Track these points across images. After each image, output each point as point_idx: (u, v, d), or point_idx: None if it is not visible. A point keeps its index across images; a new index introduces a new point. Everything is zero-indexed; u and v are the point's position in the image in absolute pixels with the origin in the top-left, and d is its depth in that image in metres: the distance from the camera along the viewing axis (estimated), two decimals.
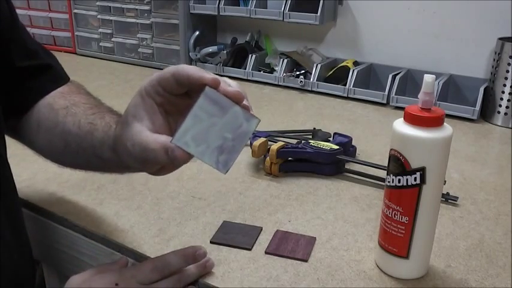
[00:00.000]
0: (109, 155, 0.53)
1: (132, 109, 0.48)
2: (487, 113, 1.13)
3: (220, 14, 1.40)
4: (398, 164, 0.52)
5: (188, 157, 0.43)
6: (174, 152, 0.43)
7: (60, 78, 0.67)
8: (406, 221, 0.53)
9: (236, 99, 0.43)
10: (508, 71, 1.07)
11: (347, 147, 0.84)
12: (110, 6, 1.55)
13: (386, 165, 0.55)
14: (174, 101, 0.48)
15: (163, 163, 0.47)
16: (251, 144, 0.81)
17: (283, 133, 0.94)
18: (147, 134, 0.46)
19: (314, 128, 0.95)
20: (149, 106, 0.47)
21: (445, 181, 0.59)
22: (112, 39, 1.59)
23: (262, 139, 0.81)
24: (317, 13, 1.26)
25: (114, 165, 0.55)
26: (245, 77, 1.38)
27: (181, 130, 0.42)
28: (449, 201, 0.73)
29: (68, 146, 0.59)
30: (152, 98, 0.47)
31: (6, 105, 0.59)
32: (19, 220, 0.62)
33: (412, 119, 0.50)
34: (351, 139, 0.86)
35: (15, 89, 0.62)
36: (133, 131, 0.47)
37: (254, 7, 1.35)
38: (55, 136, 0.60)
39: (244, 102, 0.44)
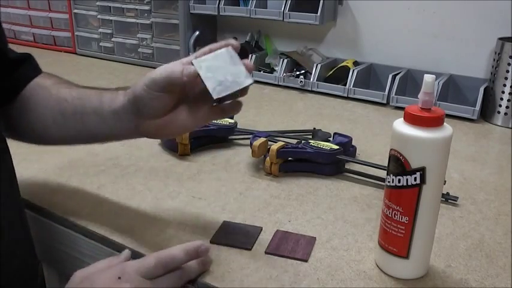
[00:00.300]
0: (121, 103, 0.59)
1: (142, 89, 0.56)
2: (487, 113, 1.13)
3: (220, 14, 1.40)
4: (398, 164, 0.52)
5: (195, 76, 0.53)
6: (188, 68, 0.53)
7: (38, 66, 0.71)
8: (406, 221, 0.53)
9: (247, 66, 0.55)
10: (508, 71, 1.07)
11: (347, 147, 0.84)
12: (110, 6, 1.55)
13: (386, 165, 0.55)
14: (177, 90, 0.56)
15: (178, 83, 0.54)
16: (251, 144, 0.81)
17: (283, 133, 0.94)
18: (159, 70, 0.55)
19: (314, 128, 0.96)
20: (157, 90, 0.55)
21: (445, 181, 0.59)
22: (112, 39, 1.59)
23: (262, 139, 0.81)
24: (317, 13, 1.26)
25: (114, 123, 0.60)
26: None
27: (201, 59, 0.54)
28: (449, 201, 0.73)
29: (64, 114, 0.63)
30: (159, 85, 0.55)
31: None
32: (22, 214, 0.62)
33: (412, 119, 0.50)
34: (351, 139, 0.86)
35: (5, 78, 0.64)
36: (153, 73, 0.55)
37: (254, 7, 1.35)
38: (48, 109, 0.64)
39: (251, 66, 0.56)
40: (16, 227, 0.59)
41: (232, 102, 0.58)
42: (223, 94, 0.53)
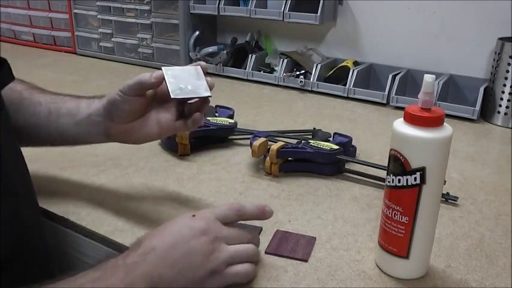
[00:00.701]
0: (96, 106, 0.65)
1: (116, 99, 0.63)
2: (487, 113, 1.13)
3: (220, 14, 1.40)
4: (398, 164, 0.52)
5: (161, 80, 0.61)
6: (157, 72, 0.61)
7: (11, 72, 0.70)
8: (406, 221, 0.53)
9: (209, 83, 0.63)
10: (508, 71, 1.07)
11: (347, 147, 0.84)
12: (110, 6, 1.55)
13: (386, 165, 0.55)
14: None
15: (147, 86, 0.62)
16: (251, 144, 0.81)
17: (283, 133, 0.94)
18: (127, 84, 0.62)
19: (314, 128, 0.95)
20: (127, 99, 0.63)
21: (445, 181, 0.59)
22: (112, 39, 1.59)
23: (262, 139, 0.81)
24: (317, 13, 1.26)
25: (93, 123, 0.66)
26: (245, 77, 1.38)
27: (170, 68, 0.63)
28: (449, 201, 0.73)
29: (37, 114, 0.67)
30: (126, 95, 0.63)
31: None
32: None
33: (412, 119, 0.50)
34: (351, 139, 0.86)
35: None
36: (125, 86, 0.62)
37: (254, 7, 1.35)
38: (21, 112, 0.68)
39: (212, 83, 0.63)
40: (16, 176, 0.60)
41: (193, 116, 0.63)
42: (180, 97, 0.61)
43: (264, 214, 0.58)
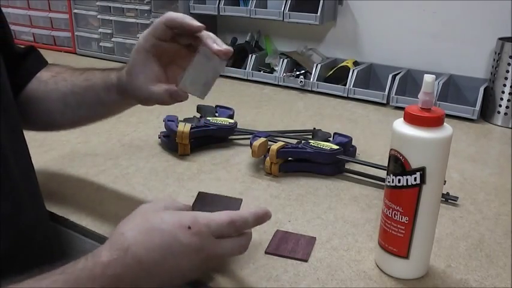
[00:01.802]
0: (114, 97, 0.65)
1: (134, 65, 0.61)
2: (487, 113, 1.13)
3: (220, 14, 1.40)
4: (398, 164, 0.52)
5: (187, 96, 0.59)
6: (176, 93, 0.59)
7: (43, 58, 0.75)
8: (406, 221, 0.53)
9: (222, 54, 0.59)
10: (508, 71, 1.07)
11: (347, 147, 0.84)
12: (110, 6, 1.55)
13: (386, 165, 0.55)
14: (165, 48, 0.60)
15: (167, 103, 0.61)
16: (251, 144, 0.81)
17: (283, 133, 0.94)
18: (151, 84, 0.60)
19: (314, 128, 0.95)
20: (146, 60, 0.60)
21: (445, 181, 0.59)
22: (112, 39, 1.59)
23: (262, 139, 0.81)
24: (317, 13, 1.26)
25: (116, 106, 0.68)
26: (245, 77, 1.38)
27: (184, 78, 0.59)
28: (449, 201, 0.73)
29: (68, 106, 0.68)
30: (147, 52, 0.60)
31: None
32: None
33: (412, 119, 0.50)
34: (351, 139, 0.86)
35: (12, 70, 0.65)
36: (140, 82, 0.60)
37: (254, 7, 1.35)
38: (50, 103, 0.69)
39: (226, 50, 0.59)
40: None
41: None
42: (209, 91, 0.60)
43: (263, 221, 0.53)
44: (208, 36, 0.60)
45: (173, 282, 0.49)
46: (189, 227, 0.48)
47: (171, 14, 0.59)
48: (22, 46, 0.73)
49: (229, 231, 0.50)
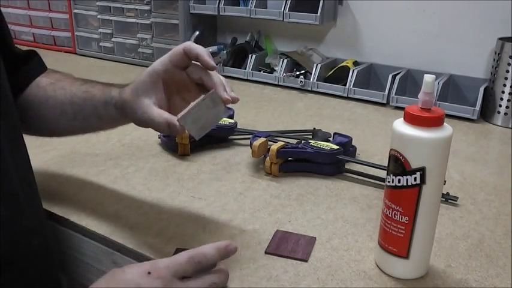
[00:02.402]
0: (112, 113, 0.64)
1: (142, 85, 0.60)
2: (487, 113, 1.13)
3: (220, 14, 1.40)
4: (398, 164, 0.52)
5: (184, 131, 0.58)
6: (175, 127, 0.57)
7: (43, 63, 0.74)
8: (406, 221, 0.53)
9: (230, 103, 0.58)
10: (508, 71, 1.07)
11: (347, 147, 0.84)
12: (110, 6, 1.55)
13: (386, 165, 0.55)
14: (176, 77, 0.60)
15: (161, 132, 0.61)
16: (251, 144, 0.81)
17: (283, 133, 0.94)
18: (153, 109, 0.59)
19: (314, 128, 0.95)
20: (156, 84, 0.60)
21: (445, 181, 0.59)
22: (112, 39, 1.59)
23: (262, 139, 0.81)
24: (317, 13, 1.26)
25: (112, 121, 0.67)
26: (245, 77, 1.38)
27: (186, 114, 0.58)
28: (449, 201, 0.73)
29: (64, 114, 0.68)
30: (159, 76, 0.60)
31: None
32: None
33: (412, 119, 0.50)
34: (351, 139, 0.86)
35: (11, 73, 0.65)
36: (143, 104, 0.60)
37: (254, 7, 1.35)
38: (47, 109, 0.68)
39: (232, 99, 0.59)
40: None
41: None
42: (204, 134, 0.59)
43: (227, 254, 0.53)
44: (221, 83, 0.59)
45: None
46: (149, 272, 0.49)
47: (190, 44, 0.59)
48: (23, 48, 0.73)
49: (191, 268, 0.50)
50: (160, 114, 0.59)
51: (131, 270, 0.50)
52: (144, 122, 0.60)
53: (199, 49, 0.58)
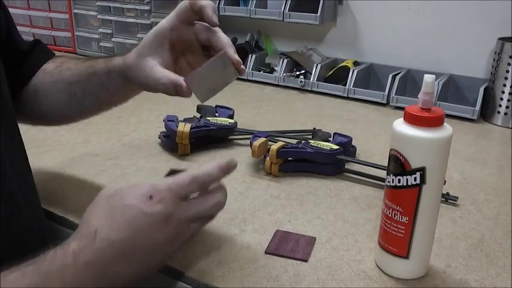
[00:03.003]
0: (117, 81, 0.62)
1: (147, 45, 0.58)
2: (487, 113, 1.13)
3: (220, 14, 1.40)
4: (398, 164, 0.52)
5: (190, 93, 0.55)
6: (182, 88, 0.55)
7: (48, 50, 0.74)
8: (406, 221, 0.53)
9: (240, 66, 0.57)
10: (508, 71, 1.07)
11: (347, 147, 0.84)
12: (110, 6, 1.55)
13: (386, 165, 0.55)
14: (183, 36, 0.58)
15: (169, 94, 0.57)
16: (251, 144, 0.81)
17: (283, 133, 0.94)
18: (158, 70, 0.57)
19: (314, 128, 0.95)
20: (162, 43, 0.58)
21: (445, 181, 0.59)
22: (112, 39, 1.59)
23: (262, 139, 0.81)
24: (317, 13, 1.26)
25: (120, 91, 0.65)
26: (245, 77, 1.38)
27: (195, 74, 0.56)
28: (449, 201, 0.73)
29: (73, 96, 0.66)
30: (165, 36, 0.58)
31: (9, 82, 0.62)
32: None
33: (412, 119, 0.50)
34: (351, 139, 0.86)
35: (17, 65, 0.66)
36: (147, 65, 0.57)
37: (254, 7, 1.35)
38: (56, 93, 0.68)
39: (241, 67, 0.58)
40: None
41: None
42: (211, 97, 0.58)
43: (229, 171, 0.51)
44: (230, 44, 0.57)
45: (154, 260, 0.47)
46: (151, 196, 0.46)
47: None
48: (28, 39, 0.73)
49: (194, 189, 0.49)
50: (166, 74, 0.56)
51: (129, 195, 0.47)
52: (149, 85, 0.58)
53: (204, 2, 0.56)
